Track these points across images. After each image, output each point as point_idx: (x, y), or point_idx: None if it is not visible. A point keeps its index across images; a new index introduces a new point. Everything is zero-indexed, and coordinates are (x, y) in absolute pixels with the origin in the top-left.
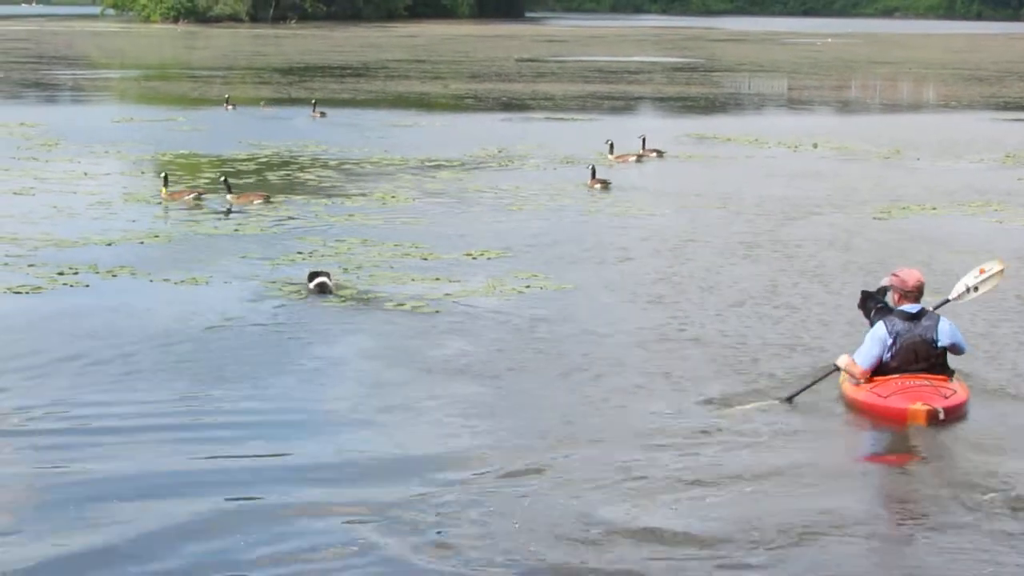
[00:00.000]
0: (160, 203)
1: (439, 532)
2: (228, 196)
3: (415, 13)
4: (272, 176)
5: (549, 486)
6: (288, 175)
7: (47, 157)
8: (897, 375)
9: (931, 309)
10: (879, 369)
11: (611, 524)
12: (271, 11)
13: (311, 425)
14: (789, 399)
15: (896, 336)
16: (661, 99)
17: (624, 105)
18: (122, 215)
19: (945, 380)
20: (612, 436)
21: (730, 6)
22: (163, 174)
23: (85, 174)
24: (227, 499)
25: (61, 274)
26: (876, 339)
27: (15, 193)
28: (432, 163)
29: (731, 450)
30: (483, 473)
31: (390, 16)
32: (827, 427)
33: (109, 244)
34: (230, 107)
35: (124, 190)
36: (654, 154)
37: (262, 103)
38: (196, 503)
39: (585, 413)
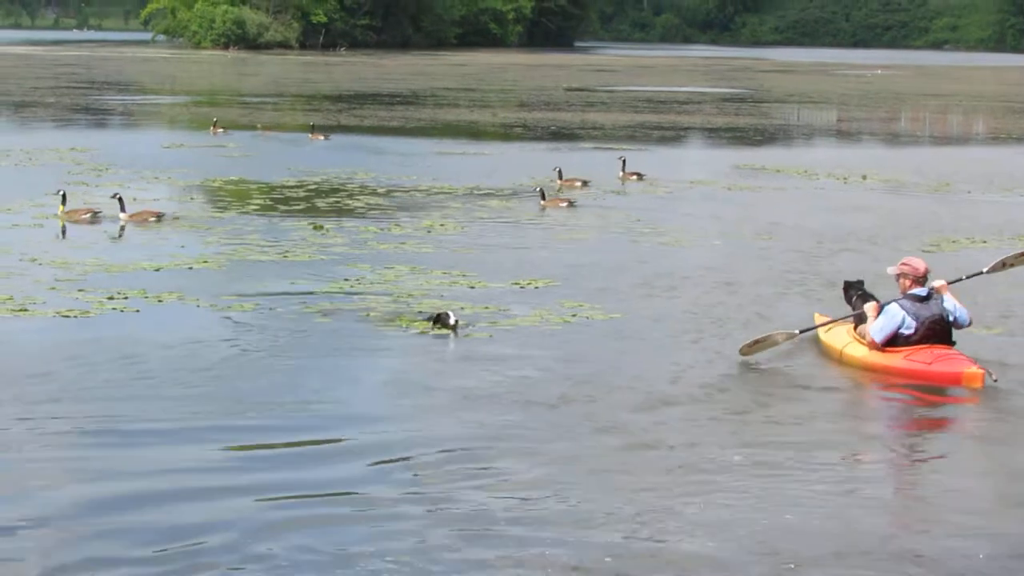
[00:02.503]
0: (58, 220)
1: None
2: (121, 214)
3: (465, 42)
4: (321, 203)
5: (588, 520)
6: (337, 202)
7: (97, 182)
8: (919, 346)
9: (964, 278)
10: (896, 342)
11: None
12: (321, 38)
13: (356, 449)
14: (803, 331)
15: (916, 315)
16: (710, 129)
17: (673, 135)
18: (171, 240)
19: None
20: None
21: (779, 37)
22: (60, 192)
23: (134, 199)
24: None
25: (111, 298)
26: (892, 317)
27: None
28: (481, 191)
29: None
30: (518, 501)
31: (440, 44)
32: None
33: (158, 269)
34: (219, 131)
35: (173, 216)
36: (635, 177)
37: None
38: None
39: (627, 445)
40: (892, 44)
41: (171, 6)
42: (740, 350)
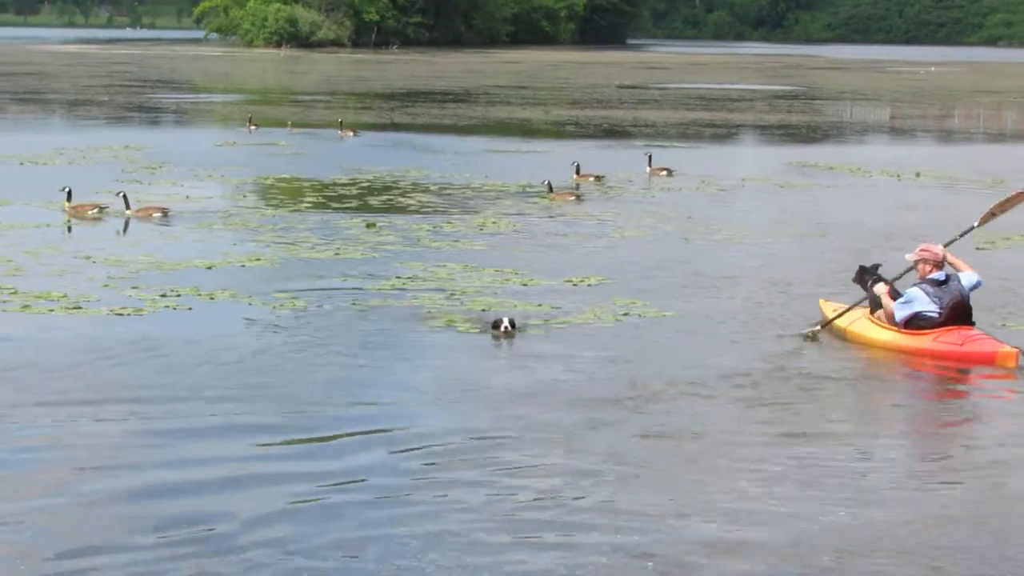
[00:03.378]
0: (64, 216)
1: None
2: (127, 211)
3: (517, 39)
4: (374, 200)
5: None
6: (390, 200)
7: (150, 180)
8: (945, 327)
9: (959, 236)
10: (918, 323)
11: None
12: (373, 36)
13: (405, 443)
14: (822, 326)
15: (939, 299)
16: (762, 127)
17: (725, 133)
18: (223, 238)
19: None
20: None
21: (832, 34)
22: (65, 188)
23: (187, 197)
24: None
25: (164, 296)
26: (915, 299)
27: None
28: (533, 189)
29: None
30: (569, 503)
31: (492, 42)
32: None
33: (210, 267)
34: (253, 128)
35: (226, 213)
36: (664, 172)
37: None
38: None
39: (679, 443)
40: (946, 40)
41: (224, 4)
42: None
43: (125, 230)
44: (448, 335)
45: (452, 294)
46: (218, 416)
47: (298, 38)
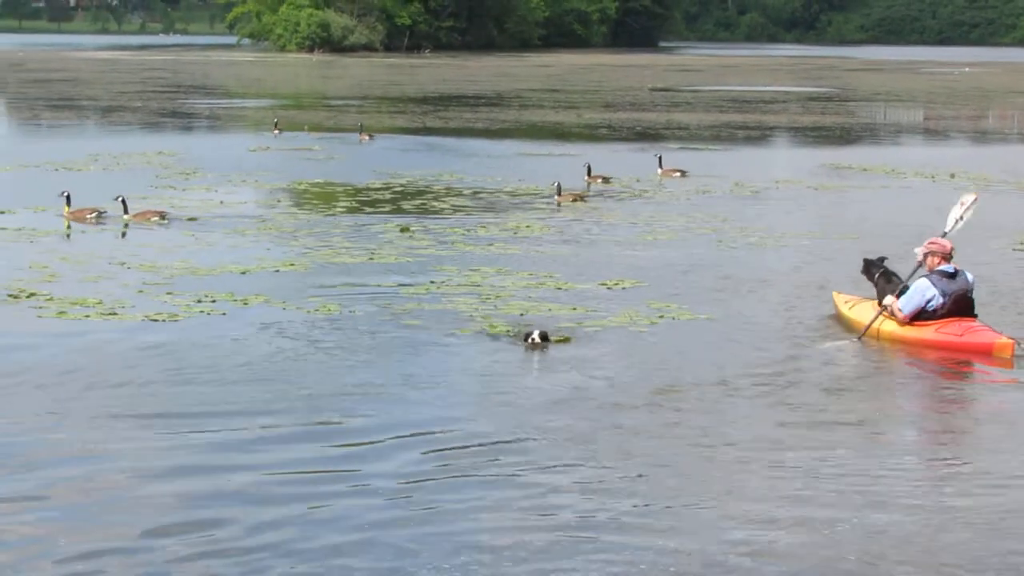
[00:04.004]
0: (64, 221)
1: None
2: (124, 216)
3: (549, 43)
4: (407, 204)
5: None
6: (423, 204)
7: (184, 185)
8: (947, 319)
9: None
10: (927, 315)
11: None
12: (405, 41)
13: (439, 447)
14: (859, 338)
15: (944, 291)
16: (796, 129)
17: (759, 135)
18: (257, 243)
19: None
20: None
21: (865, 35)
22: (64, 193)
23: (221, 202)
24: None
25: (199, 301)
26: (923, 292)
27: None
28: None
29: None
30: (603, 508)
31: (524, 45)
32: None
33: (244, 272)
34: (277, 132)
35: (260, 219)
36: (677, 174)
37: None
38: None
39: (708, 453)
40: (979, 41)
41: (256, 10)
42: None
43: (124, 234)
44: (483, 339)
45: (486, 298)
46: (251, 421)
47: (330, 43)
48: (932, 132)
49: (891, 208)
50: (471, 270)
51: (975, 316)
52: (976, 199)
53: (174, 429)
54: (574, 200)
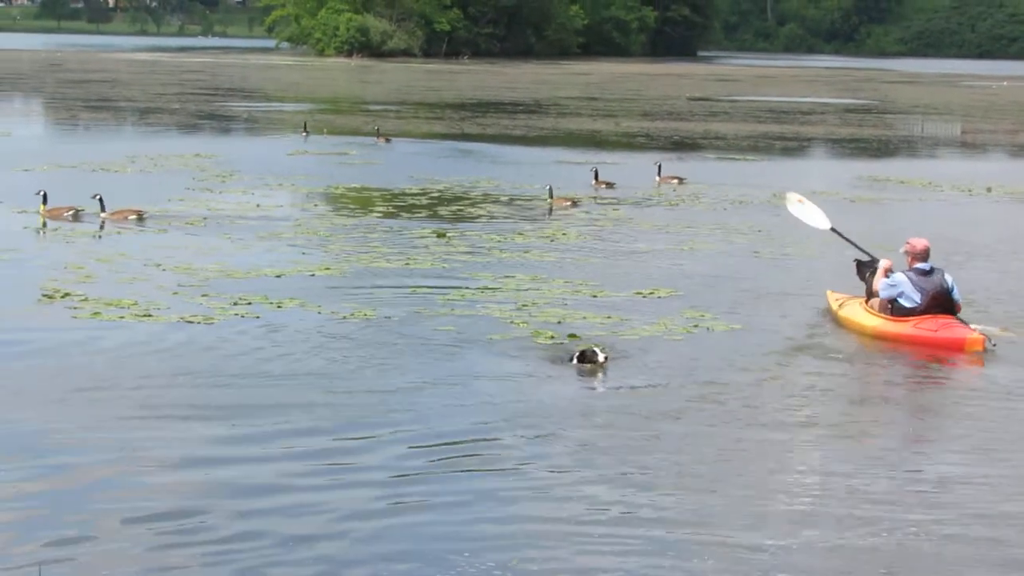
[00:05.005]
0: (40, 219)
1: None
2: (102, 214)
3: (588, 51)
4: (444, 211)
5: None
6: (460, 210)
7: (221, 188)
8: (925, 315)
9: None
10: (904, 311)
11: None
12: (444, 47)
13: (472, 455)
14: (833, 229)
15: (920, 287)
16: (833, 140)
17: (796, 146)
18: (293, 247)
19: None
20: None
21: (904, 48)
22: (41, 192)
23: (258, 206)
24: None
25: (235, 304)
26: (899, 283)
27: (189, 224)
28: (603, 200)
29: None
30: (640, 515)
31: (563, 53)
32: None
33: (279, 276)
34: (305, 134)
35: (296, 223)
36: (675, 181)
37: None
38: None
39: (741, 462)
40: (1019, 55)
41: (295, 14)
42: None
43: (101, 233)
44: (518, 346)
45: (522, 305)
46: (281, 424)
47: (369, 48)
48: (970, 146)
49: (927, 221)
50: (507, 276)
51: (954, 314)
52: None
53: (203, 429)
54: (571, 205)
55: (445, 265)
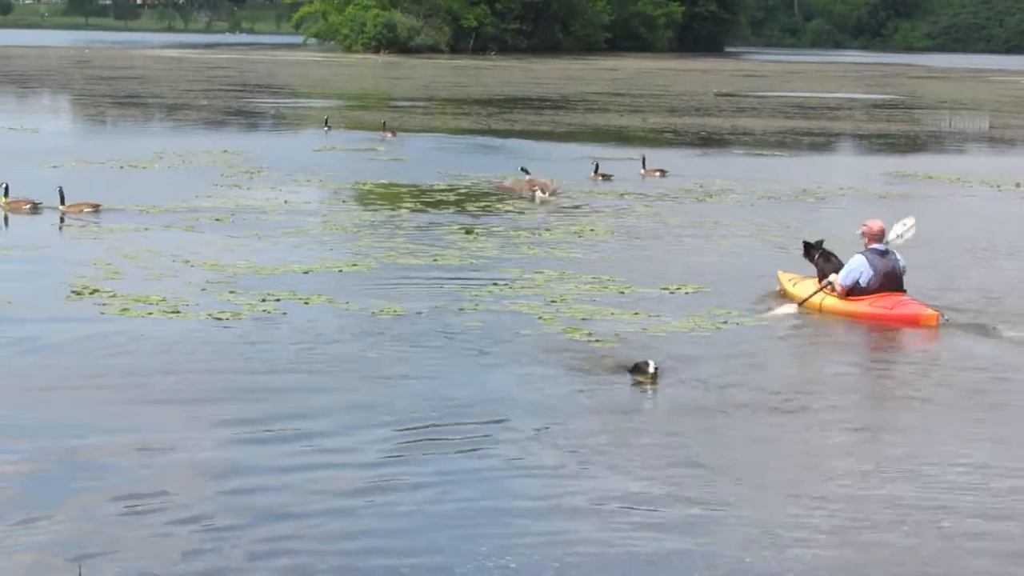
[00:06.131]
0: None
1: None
2: (60, 206)
3: (614, 46)
4: (472, 207)
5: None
6: (487, 206)
7: (249, 184)
8: (879, 294)
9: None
10: (860, 290)
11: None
12: (471, 43)
13: (501, 452)
14: (801, 303)
15: (875, 267)
16: (861, 136)
17: (824, 141)
18: (321, 243)
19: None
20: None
21: (931, 43)
22: (3, 184)
23: (285, 202)
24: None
25: (263, 300)
26: (858, 265)
27: (216, 220)
28: (630, 196)
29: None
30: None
31: (589, 49)
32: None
33: (307, 272)
34: (327, 129)
35: (323, 219)
36: (657, 173)
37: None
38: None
39: (772, 458)
40: None
41: (322, 10)
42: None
43: (61, 227)
44: (547, 342)
45: (550, 301)
46: (312, 421)
47: (396, 44)
48: (998, 141)
49: (955, 217)
50: (535, 272)
51: (904, 291)
52: (914, 223)
53: (232, 426)
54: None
55: (473, 261)
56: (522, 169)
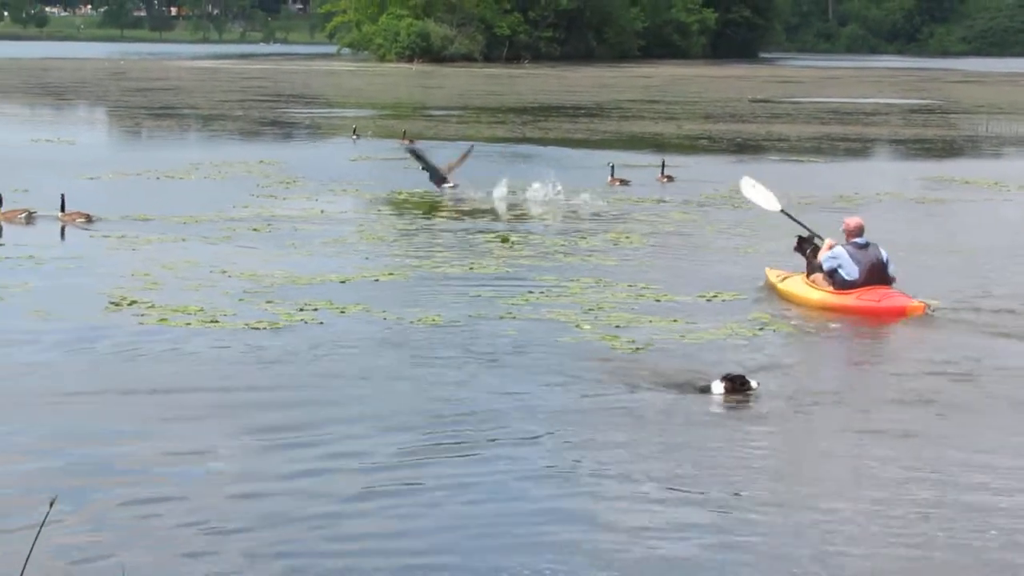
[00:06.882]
0: None
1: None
2: (59, 214)
3: (648, 53)
4: (507, 215)
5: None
6: (523, 214)
7: (285, 195)
8: (866, 287)
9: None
10: (846, 284)
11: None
12: (504, 51)
13: (540, 462)
14: (783, 210)
15: (858, 261)
16: (897, 141)
17: (860, 147)
18: (357, 253)
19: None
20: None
21: (967, 47)
22: None
23: (322, 212)
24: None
25: (300, 310)
26: (838, 254)
27: (253, 230)
28: (666, 203)
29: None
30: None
31: (623, 56)
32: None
33: (344, 282)
34: (355, 137)
35: (360, 228)
36: (665, 179)
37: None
38: None
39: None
40: None
41: (356, 20)
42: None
43: (63, 236)
44: (585, 349)
45: (588, 309)
46: (349, 429)
47: (430, 53)
48: None
49: (992, 222)
50: (571, 280)
51: (890, 283)
52: (755, 182)
53: (269, 435)
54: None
55: (509, 270)
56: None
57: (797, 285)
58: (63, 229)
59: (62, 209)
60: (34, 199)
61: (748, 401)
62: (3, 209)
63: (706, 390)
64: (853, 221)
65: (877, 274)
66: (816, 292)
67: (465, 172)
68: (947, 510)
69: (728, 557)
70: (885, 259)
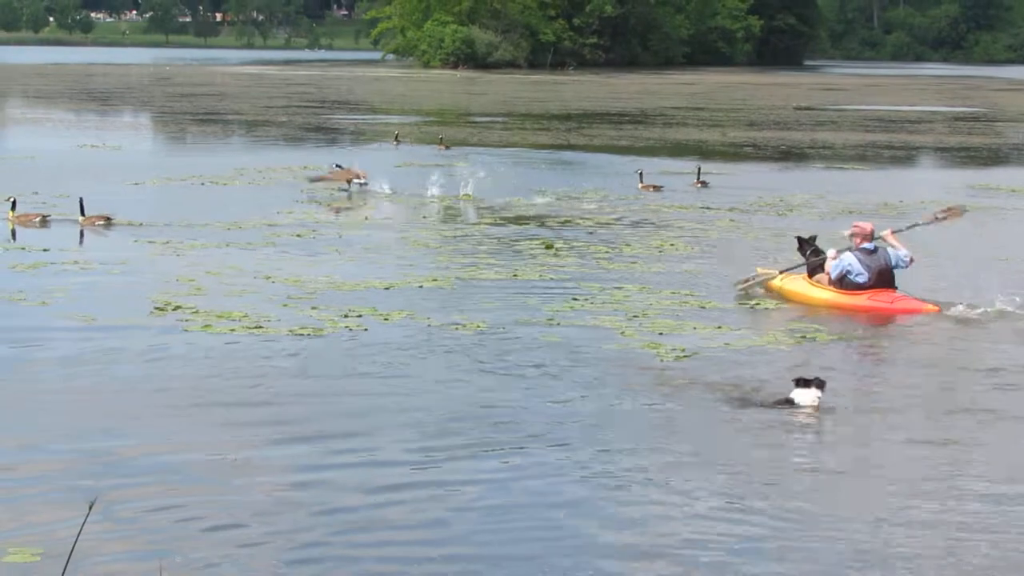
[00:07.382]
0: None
1: None
2: (80, 218)
3: (692, 60)
4: (552, 222)
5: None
6: (568, 220)
7: (329, 200)
8: (874, 290)
9: (904, 228)
10: (855, 286)
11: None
12: (549, 58)
13: (586, 469)
14: (782, 272)
15: (867, 266)
16: (942, 149)
17: (904, 155)
18: (401, 259)
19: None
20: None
21: (1013, 55)
22: (11, 199)
23: (366, 218)
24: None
25: (345, 316)
26: (848, 262)
27: (297, 235)
28: (710, 210)
29: None
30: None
31: (668, 63)
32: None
33: (388, 288)
34: (396, 143)
35: (403, 234)
36: (699, 184)
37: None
38: None
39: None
40: None
41: (401, 26)
42: (735, 284)
43: (81, 239)
44: (624, 356)
45: (632, 316)
46: (395, 436)
47: (474, 59)
48: None
49: None
50: (615, 288)
51: (895, 288)
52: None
53: (315, 442)
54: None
55: (553, 276)
56: (336, 165)
57: (802, 285)
58: (82, 232)
59: (82, 213)
60: (73, 205)
61: (801, 409)
62: (17, 213)
63: (788, 402)
64: (867, 227)
65: (884, 277)
66: (824, 292)
67: (512, 178)
68: (1006, 520)
69: (773, 569)
70: (893, 263)
